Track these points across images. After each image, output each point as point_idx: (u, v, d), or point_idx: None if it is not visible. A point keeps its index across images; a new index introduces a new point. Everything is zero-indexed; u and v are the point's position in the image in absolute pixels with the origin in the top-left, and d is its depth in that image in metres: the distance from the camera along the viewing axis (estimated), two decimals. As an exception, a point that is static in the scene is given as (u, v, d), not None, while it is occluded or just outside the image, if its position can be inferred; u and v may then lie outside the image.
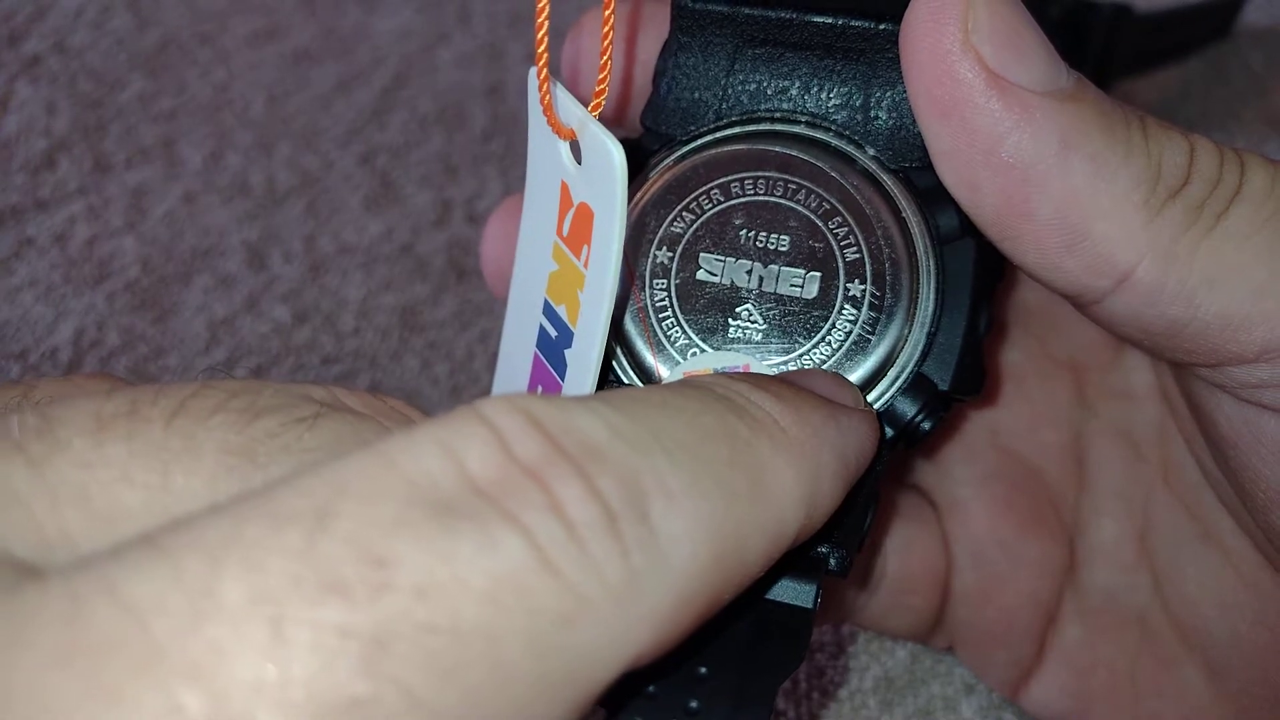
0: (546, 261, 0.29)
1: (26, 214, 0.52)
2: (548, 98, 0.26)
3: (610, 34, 0.26)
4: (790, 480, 0.22)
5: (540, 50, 0.25)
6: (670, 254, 0.29)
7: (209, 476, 0.19)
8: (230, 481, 0.19)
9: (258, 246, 0.51)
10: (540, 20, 0.25)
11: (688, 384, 0.23)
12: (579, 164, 0.27)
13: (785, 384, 0.24)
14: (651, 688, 0.24)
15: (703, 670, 0.24)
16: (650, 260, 0.29)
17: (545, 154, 0.28)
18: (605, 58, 0.26)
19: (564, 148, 0.27)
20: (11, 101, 0.56)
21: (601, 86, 0.27)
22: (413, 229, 0.53)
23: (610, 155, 0.25)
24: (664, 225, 0.30)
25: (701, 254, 0.29)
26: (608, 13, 0.26)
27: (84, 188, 0.53)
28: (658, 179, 0.30)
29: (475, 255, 0.51)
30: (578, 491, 0.18)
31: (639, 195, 0.30)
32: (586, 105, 0.26)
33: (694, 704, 0.24)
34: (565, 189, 0.28)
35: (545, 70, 0.26)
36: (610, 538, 0.18)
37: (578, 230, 0.27)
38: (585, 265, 0.27)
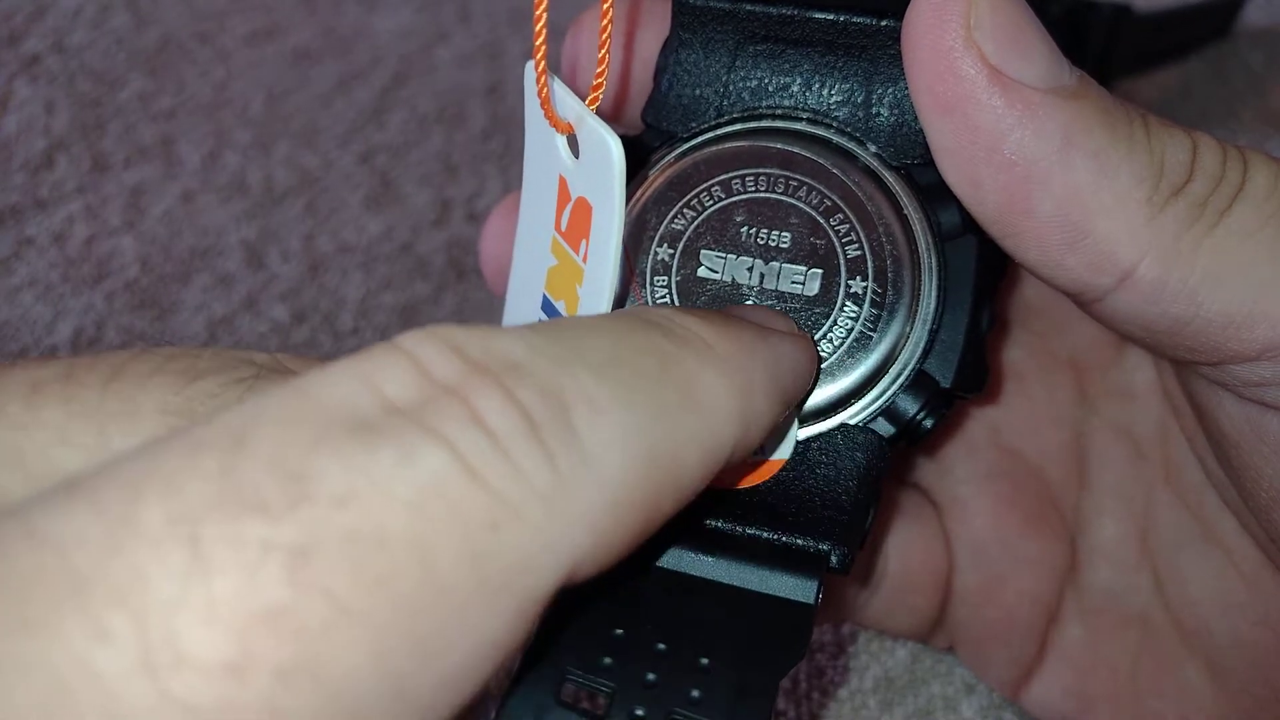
0: (545, 256, 0.29)
1: (25, 213, 0.51)
2: (545, 91, 0.26)
3: (608, 29, 0.26)
4: (721, 391, 0.22)
5: (538, 43, 0.26)
6: (671, 251, 0.29)
7: (147, 436, 0.19)
8: None
9: (256, 246, 0.51)
10: (539, 13, 0.25)
11: (615, 312, 0.23)
12: (577, 158, 0.27)
13: (714, 311, 0.24)
14: (652, 675, 0.24)
15: (704, 661, 0.24)
16: (651, 257, 0.29)
17: (542, 148, 0.28)
18: (603, 52, 0.27)
19: (561, 142, 0.27)
20: (10, 101, 0.56)
21: (599, 80, 0.27)
22: (412, 228, 0.53)
23: (609, 149, 0.25)
24: (665, 222, 0.30)
25: (703, 251, 0.29)
26: (606, 7, 0.26)
27: (83, 187, 0.53)
28: (659, 176, 0.30)
29: (475, 254, 0.51)
30: (497, 402, 0.18)
31: (640, 192, 0.30)
32: (585, 100, 0.26)
33: (696, 693, 0.24)
34: (563, 183, 0.28)
35: (543, 64, 0.26)
36: (533, 444, 0.18)
37: (576, 224, 0.27)
38: (584, 260, 0.27)
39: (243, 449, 0.17)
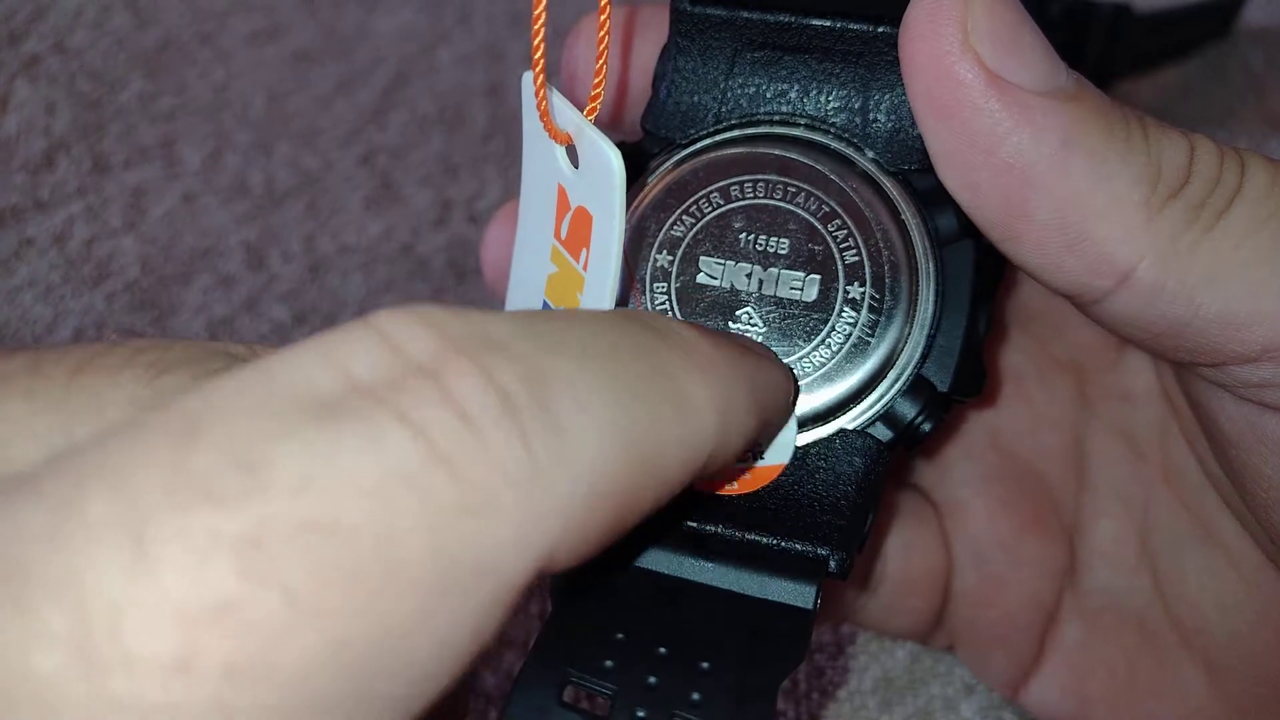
0: (545, 264, 0.29)
1: (26, 214, 0.52)
2: (544, 103, 0.26)
3: (605, 39, 0.26)
4: (704, 394, 0.21)
5: (536, 56, 0.26)
6: (670, 257, 0.29)
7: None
8: None
9: (257, 247, 0.51)
10: (536, 28, 0.25)
11: (607, 310, 0.23)
12: (575, 168, 0.27)
13: (701, 325, 0.24)
14: (653, 679, 0.24)
15: (705, 665, 0.25)
16: (650, 264, 0.29)
17: (541, 158, 0.28)
18: (600, 62, 0.27)
19: (560, 152, 0.27)
20: (11, 101, 0.56)
21: (597, 91, 0.27)
22: (413, 229, 0.53)
23: (609, 161, 0.25)
24: (664, 229, 0.30)
25: (701, 257, 0.29)
26: (603, 17, 0.26)
27: (83, 188, 0.53)
28: (657, 182, 0.30)
29: (475, 255, 0.51)
30: (472, 381, 0.17)
31: (639, 199, 0.30)
32: (583, 109, 0.27)
33: (696, 696, 0.24)
34: (562, 192, 0.28)
35: (541, 76, 0.26)
36: (510, 427, 0.17)
37: (576, 233, 0.27)
38: (584, 268, 0.27)
39: (196, 436, 0.16)
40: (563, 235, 0.28)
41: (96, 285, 0.49)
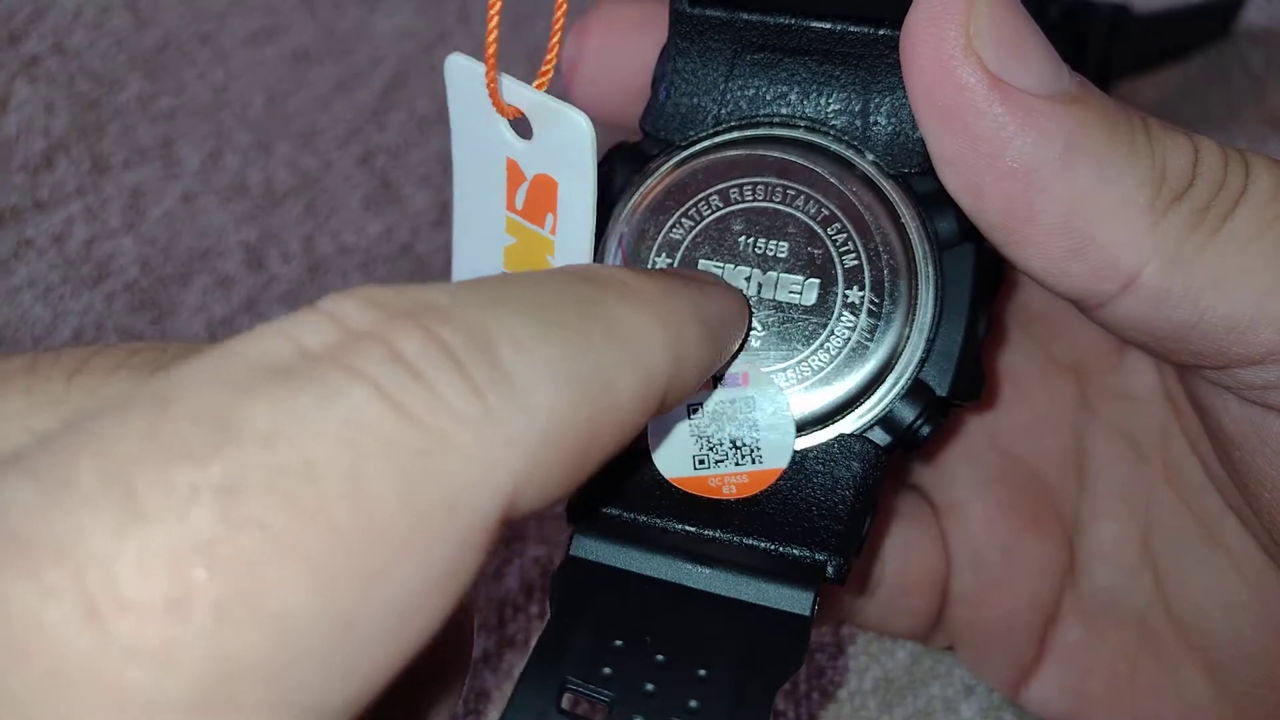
0: (499, 237, 0.30)
1: (25, 214, 0.51)
2: (494, 82, 0.28)
3: (561, 20, 0.28)
4: (646, 324, 0.22)
5: (490, 41, 0.27)
6: (670, 260, 0.29)
7: None
8: None
9: (256, 247, 0.51)
10: (492, 14, 0.26)
11: (541, 270, 0.24)
12: (527, 139, 0.28)
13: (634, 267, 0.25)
14: (650, 686, 0.24)
15: (702, 672, 0.25)
16: (650, 266, 0.29)
17: (479, 137, 0.29)
18: (555, 40, 0.28)
19: (504, 126, 0.28)
20: (10, 102, 0.56)
21: (547, 68, 0.28)
22: (412, 229, 0.53)
23: (579, 124, 0.26)
24: (663, 231, 0.30)
25: (701, 260, 0.29)
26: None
27: (82, 188, 0.53)
28: (657, 184, 0.30)
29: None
30: (416, 339, 0.19)
31: (638, 200, 0.30)
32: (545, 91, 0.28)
33: (693, 703, 0.24)
34: (513, 165, 0.29)
35: (494, 59, 0.27)
36: (458, 378, 0.18)
37: (537, 201, 0.28)
38: (552, 232, 0.28)
39: (169, 405, 0.17)
40: (518, 206, 0.29)
41: (96, 285, 0.49)
